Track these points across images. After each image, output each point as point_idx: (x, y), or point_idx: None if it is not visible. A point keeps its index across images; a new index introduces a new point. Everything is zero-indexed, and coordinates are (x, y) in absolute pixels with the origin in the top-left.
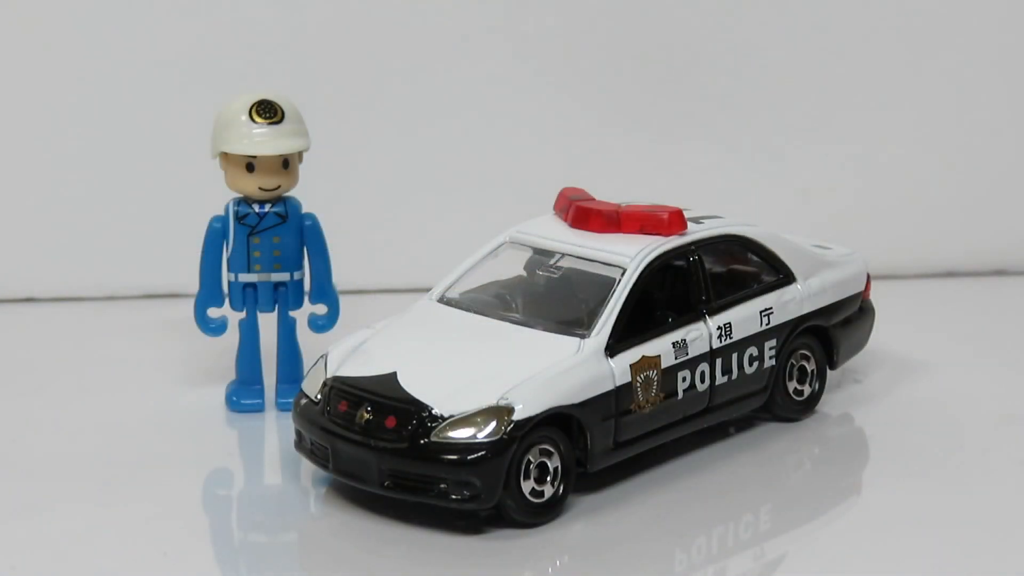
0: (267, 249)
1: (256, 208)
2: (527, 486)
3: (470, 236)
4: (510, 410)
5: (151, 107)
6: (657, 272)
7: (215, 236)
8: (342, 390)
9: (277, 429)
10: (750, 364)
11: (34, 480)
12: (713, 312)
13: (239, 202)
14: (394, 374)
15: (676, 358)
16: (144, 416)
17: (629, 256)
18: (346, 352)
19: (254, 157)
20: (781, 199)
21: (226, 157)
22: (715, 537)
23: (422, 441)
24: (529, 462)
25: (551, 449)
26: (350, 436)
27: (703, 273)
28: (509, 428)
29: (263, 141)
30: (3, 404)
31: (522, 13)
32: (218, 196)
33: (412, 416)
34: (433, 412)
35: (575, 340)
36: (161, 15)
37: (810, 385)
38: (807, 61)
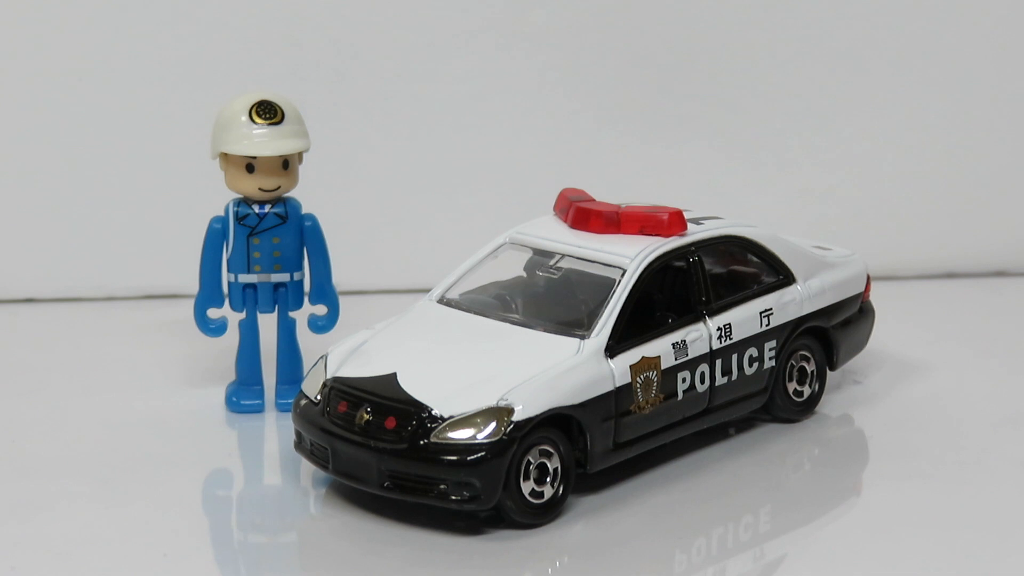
0: (267, 250)
1: (256, 209)
2: (527, 487)
3: (470, 236)
4: (510, 411)
5: (151, 107)
6: (657, 273)
7: (215, 237)
8: (342, 391)
9: (277, 430)
10: (750, 365)
11: (34, 480)
12: (713, 313)
13: (239, 203)
14: (394, 375)
15: (676, 359)
16: (144, 416)
17: (629, 257)
18: (346, 353)
19: (254, 158)
20: (781, 200)
21: (226, 158)
22: (715, 538)
23: (422, 442)
24: (529, 463)
25: (551, 450)
26: (350, 437)
27: (703, 274)
28: (509, 429)
29: (263, 142)
30: (3, 404)
31: (522, 13)
32: (218, 197)
33: (412, 417)
34: (433, 413)
35: (575, 341)
36: (161, 15)
37: (810, 386)
38: (807, 61)
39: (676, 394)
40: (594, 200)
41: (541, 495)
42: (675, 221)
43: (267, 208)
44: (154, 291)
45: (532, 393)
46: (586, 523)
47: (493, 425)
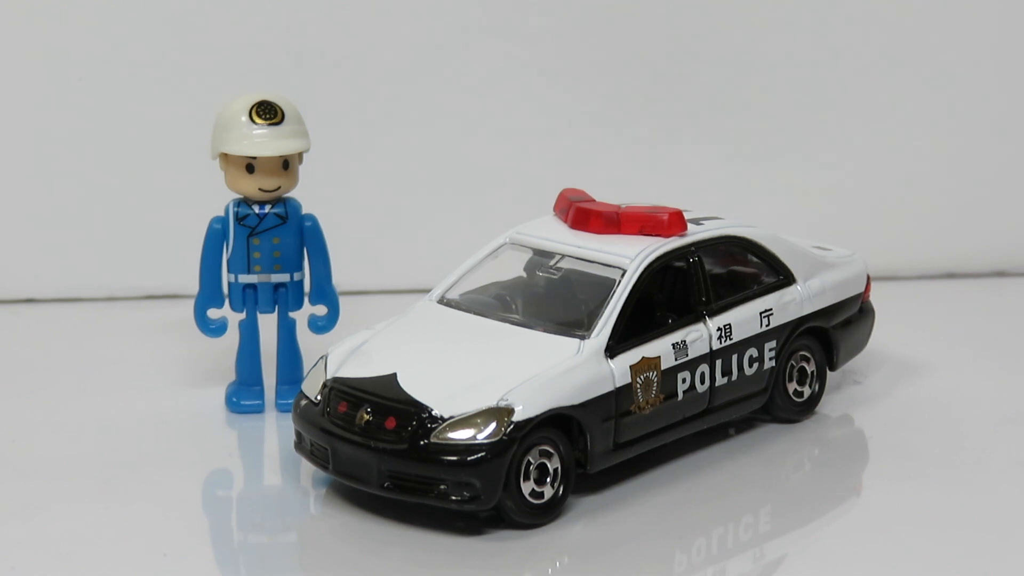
0: (267, 250)
1: (256, 209)
2: (527, 487)
3: (470, 237)
4: (510, 411)
5: (151, 107)
6: (657, 273)
7: (215, 237)
8: (342, 391)
9: (277, 430)
10: (750, 365)
11: (34, 480)
12: (713, 313)
13: (239, 203)
14: (394, 375)
15: (676, 359)
16: (144, 416)
17: (629, 257)
18: (346, 353)
19: (254, 158)
20: (781, 200)
21: (226, 158)
22: (715, 538)
23: (422, 442)
24: (529, 463)
25: (551, 450)
26: (350, 437)
27: (703, 274)
28: (509, 429)
29: (263, 142)
30: (3, 404)
31: (522, 13)
32: (218, 197)
33: (412, 417)
34: (433, 413)
35: (575, 341)
36: (161, 15)
37: (810, 386)
38: (807, 61)
39: (676, 394)
40: (594, 200)
41: (541, 495)
42: (675, 221)
43: (267, 208)
44: (154, 291)
45: (532, 393)
46: (586, 523)
47: (493, 425)
